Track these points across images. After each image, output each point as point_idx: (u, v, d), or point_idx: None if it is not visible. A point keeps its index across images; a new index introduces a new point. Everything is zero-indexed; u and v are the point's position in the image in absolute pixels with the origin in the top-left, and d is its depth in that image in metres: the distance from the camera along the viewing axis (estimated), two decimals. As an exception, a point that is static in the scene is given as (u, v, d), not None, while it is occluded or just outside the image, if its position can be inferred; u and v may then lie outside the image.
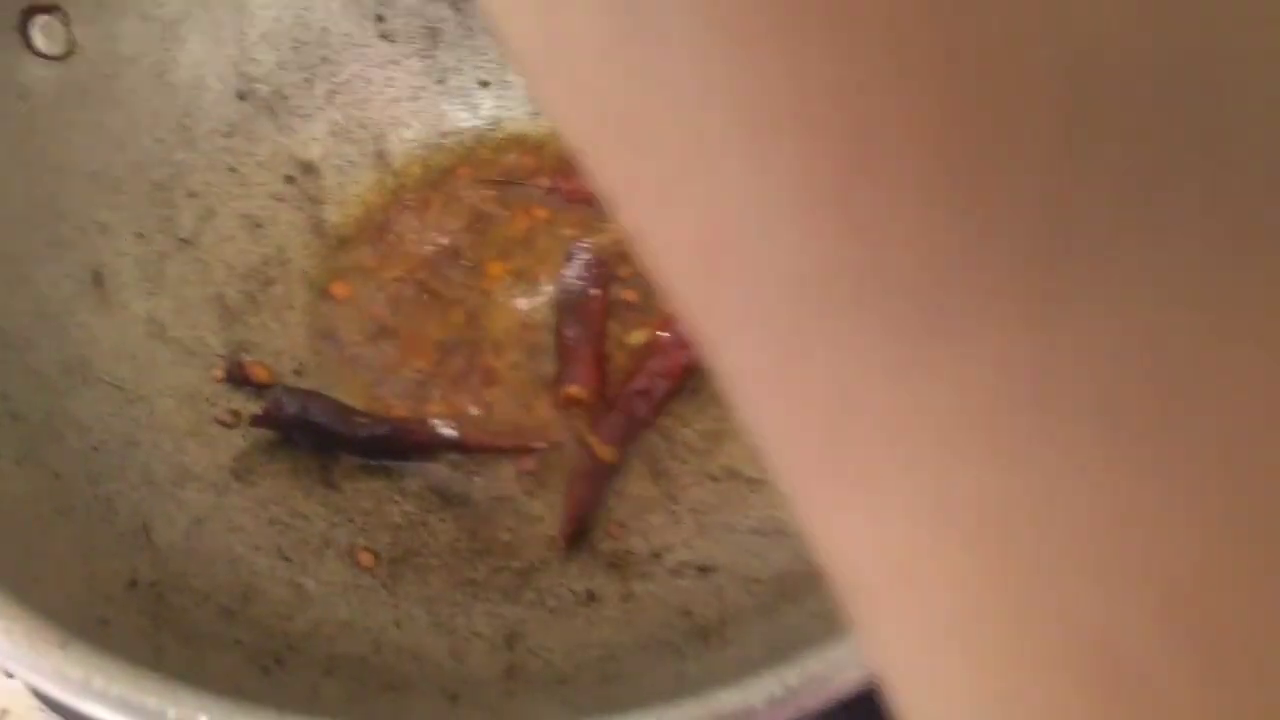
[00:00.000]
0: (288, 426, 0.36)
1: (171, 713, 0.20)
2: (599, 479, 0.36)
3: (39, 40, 0.36)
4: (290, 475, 0.36)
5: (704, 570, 0.33)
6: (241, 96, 0.42)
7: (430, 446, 0.37)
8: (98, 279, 0.36)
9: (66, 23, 0.37)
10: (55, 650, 0.21)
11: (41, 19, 0.36)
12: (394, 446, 0.37)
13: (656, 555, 0.34)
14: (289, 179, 0.43)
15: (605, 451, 0.36)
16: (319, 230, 0.42)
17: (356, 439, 0.36)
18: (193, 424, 0.35)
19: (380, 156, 0.45)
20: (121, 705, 0.21)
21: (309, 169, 0.43)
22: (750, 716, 0.22)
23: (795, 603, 0.30)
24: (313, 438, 0.36)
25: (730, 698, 0.21)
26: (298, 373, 0.39)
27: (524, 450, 0.38)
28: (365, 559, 0.33)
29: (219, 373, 0.37)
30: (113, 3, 0.38)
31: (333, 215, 0.43)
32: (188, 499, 0.33)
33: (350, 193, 0.44)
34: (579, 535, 0.35)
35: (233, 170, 0.41)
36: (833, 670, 0.22)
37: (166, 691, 0.21)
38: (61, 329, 0.34)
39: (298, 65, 0.43)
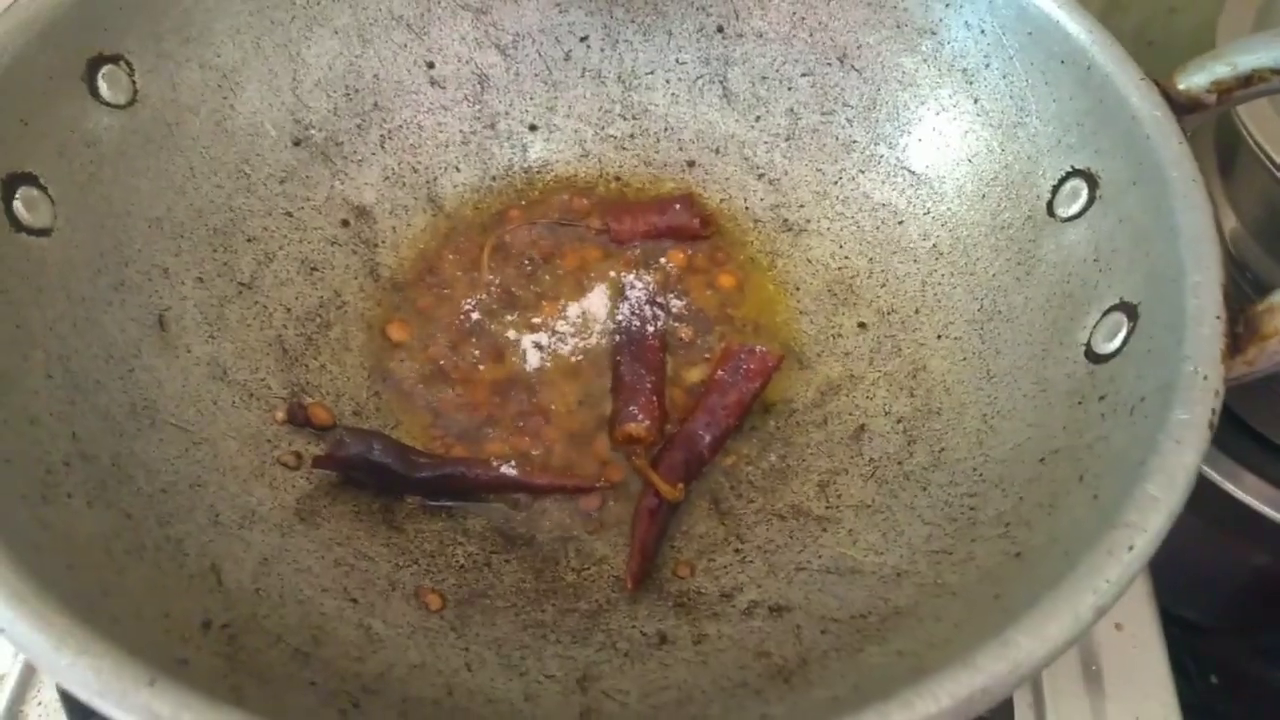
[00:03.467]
0: (350, 467, 0.36)
1: (263, 751, 0.20)
2: (663, 517, 0.36)
3: (104, 90, 0.36)
4: (353, 516, 0.35)
5: (776, 610, 0.32)
6: (297, 143, 0.43)
7: (492, 486, 0.37)
8: (162, 323, 0.36)
9: (130, 72, 0.37)
10: (144, 688, 0.21)
11: (107, 68, 0.37)
12: (456, 486, 0.36)
13: (727, 595, 0.33)
14: (344, 223, 0.43)
15: (669, 489, 0.36)
16: (374, 273, 0.43)
17: (418, 480, 0.36)
18: (256, 466, 0.35)
19: (432, 200, 0.45)
20: (211, 744, 0.20)
21: (363, 213, 0.43)
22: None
23: (878, 642, 0.29)
24: (375, 478, 0.36)
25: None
26: (356, 414, 0.39)
27: (586, 489, 0.37)
28: (433, 601, 0.33)
29: (280, 414, 0.37)
30: (174, 52, 0.39)
31: (388, 258, 0.43)
32: (254, 540, 0.33)
33: (404, 236, 0.44)
34: (646, 574, 0.34)
35: (289, 215, 0.42)
36: (928, 701, 0.22)
37: (256, 729, 0.20)
38: (128, 371, 0.34)
39: (351, 112, 0.44)
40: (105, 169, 0.36)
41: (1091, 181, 0.35)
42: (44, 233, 0.34)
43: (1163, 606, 0.46)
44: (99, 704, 0.21)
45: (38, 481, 0.28)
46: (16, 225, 0.33)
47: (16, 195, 0.33)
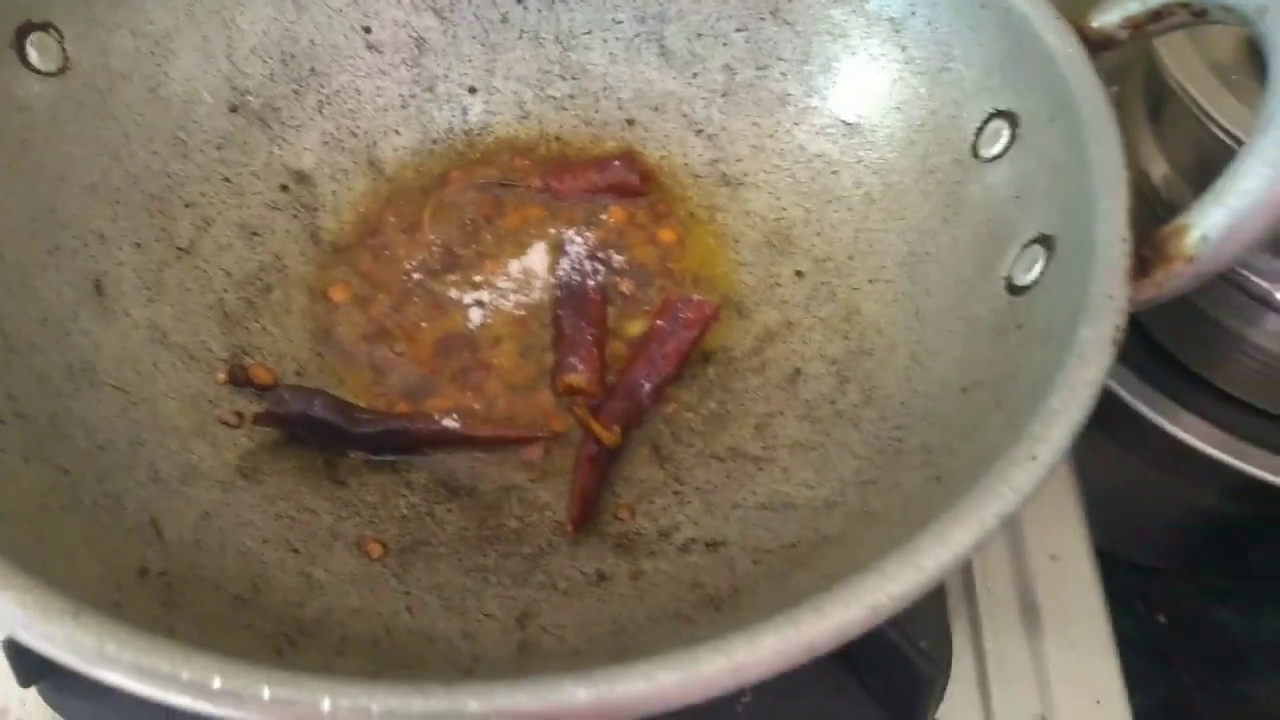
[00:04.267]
0: (292, 424, 0.36)
1: (185, 675, 0.20)
2: (603, 463, 0.36)
3: (34, 56, 0.36)
4: (297, 473, 0.36)
5: (712, 545, 0.33)
6: (233, 109, 0.43)
7: (435, 440, 0.37)
8: (99, 287, 0.37)
9: (60, 39, 0.37)
10: (68, 618, 0.21)
11: (36, 36, 0.37)
12: (399, 441, 0.37)
13: (664, 534, 0.34)
14: (283, 188, 0.43)
15: (608, 436, 0.36)
16: (315, 237, 0.43)
17: (361, 435, 0.36)
18: (197, 425, 0.36)
19: (373, 164, 0.45)
20: (134, 670, 0.21)
21: (303, 178, 0.44)
22: (758, 663, 0.22)
23: (806, 568, 0.30)
24: (318, 435, 0.36)
25: (740, 641, 0.22)
26: (299, 374, 0.39)
27: (528, 440, 0.38)
28: (374, 549, 0.33)
29: (222, 375, 0.37)
30: (104, 18, 0.39)
31: (328, 222, 0.43)
32: (195, 496, 0.33)
33: (344, 200, 0.44)
34: (587, 519, 0.35)
35: (227, 181, 0.42)
36: (839, 607, 0.22)
37: (179, 656, 0.21)
38: (65, 335, 0.34)
39: (287, 78, 0.44)
40: (37, 135, 0.36)
41: (1013, 121, 0.36)
42: (-27, 199, 0.34)
43: (1110, 548, 0.48)
44: (24, 636, 0.21)
45: (-31, 438, 0.28)
46: (-54, 190, 0.33)
47: (-55, 160, 0.33)
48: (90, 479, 0.31)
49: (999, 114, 0.37)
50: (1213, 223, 0.28)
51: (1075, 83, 0.33)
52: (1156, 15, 0.33)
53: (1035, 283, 0.32)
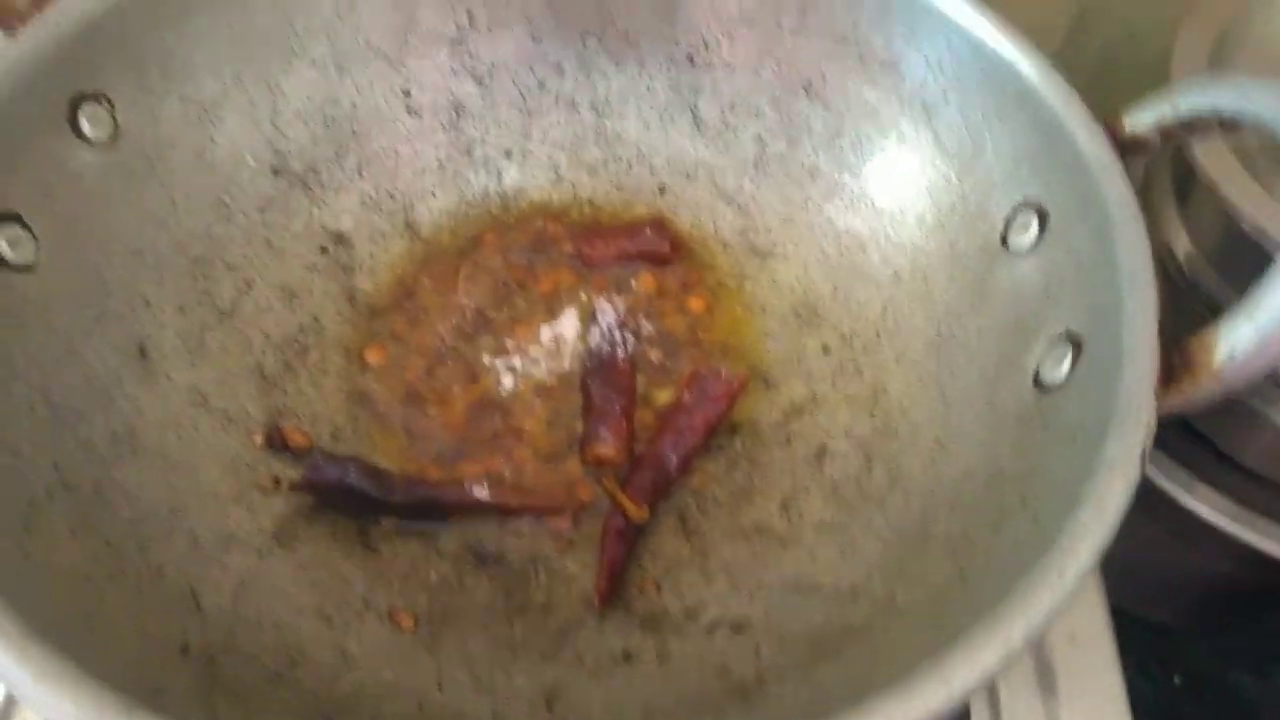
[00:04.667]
0: (327, 491, 0.37)
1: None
2: (631, 536, 0.37)
3: (86, 127, 0.37)
4: (330, 538, 0.37)
5: (738, 627, 0.34)
6: (276, 172, 0.44)
7: (465, 508, 0.38)
8: (143, 351, 0.37)
9: (112, 109, 0.38)
10: (122, 717, 0.22)
11: (88, 106, 0.38)
12: (430, 509, 0.37)
13: (691, 613, 0.35)
14: (323, 250, 0.44)
15: (635, 510, 0.37)
16: (352, 298, 0.44)
17: (394, 503, 0.37)
18: (235, 490, 0.36)
19: (409, 226, 0.46)
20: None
21: (341, 239, 0.45)
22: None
23: (832, 661, 0.30)
24: (352, 502, 0.37)
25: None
26: (334, 437, 0.40)
27: (555, 510, 0.38)
28: (405, 621, 0.34)
29: (259, 438, 0.38)
30: (155, 87, 0.40)
31: (365, 284, 0.44)
32: (232, 563, 0.34)
33: (381, 261, 0.45)
34: (614, 592, 0.36)
35: (269, 243, 0.43)
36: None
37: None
38: (109, 401, 0.35)
39: (329, 140, 0.45)
40: (88, 204, 0.37)
41: (1042, 214, 0.37)
42: (27, 269, 0.35)
43: (1127, 608, 0.48)
44: (79, 732, 0.22)
45: (20, 514, 0.29)
46: (1, 263, 0.34)
47: (1, 234, 0.34)
48: (133, 549, 0.32)
49: (1028, 206, 0.37)
50: (1241, 339, 0.28)
51: (1105, 185, 0.33)
52: (1189, 122, 0.34)
53: (1063, 381, 0.33)
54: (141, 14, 0.39)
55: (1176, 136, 0.35)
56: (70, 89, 0.37)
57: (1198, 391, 0.29)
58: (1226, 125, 0.34)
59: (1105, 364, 0.30)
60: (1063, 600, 0.24)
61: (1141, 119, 0.35)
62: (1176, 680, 0.60)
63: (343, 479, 0.37)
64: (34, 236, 0.35)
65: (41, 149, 0.36)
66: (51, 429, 0.33)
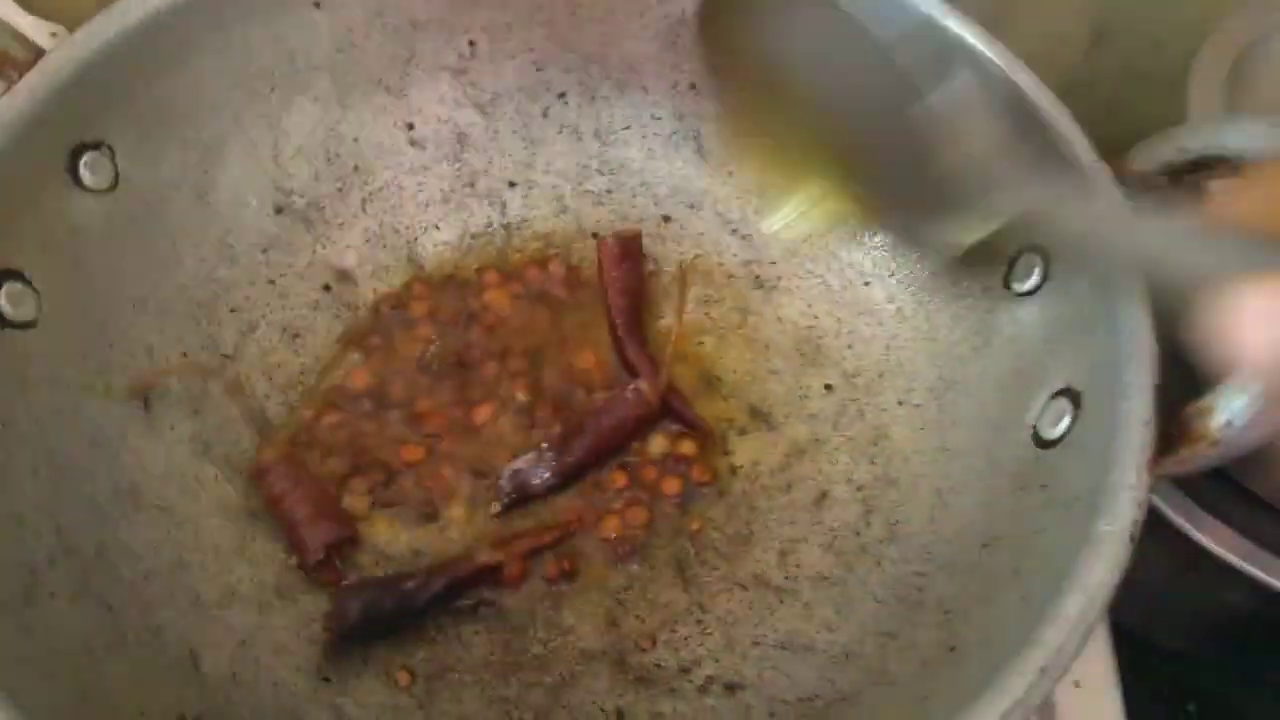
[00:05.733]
0: (364, 626, 0.35)
1: None
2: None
3: (86, 176, 0.38)
4: (331, 588, 0.37)
5: (731, 688, 0.34)
6: (279, 210, 0.44)
7: (482, 576, 0.37)
8: (146, 402, 0.38)
9: (112, 156, 0.38)
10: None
11: (89, 155, 0.38)
12: (450, 592, 0.36)
13: (685, 670, 0.35)
14: (326, 288, 0.44)
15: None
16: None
17: (419, 608, 0.35)
18: (237, 542, 0.37)
19: (412, 260, 0.46)
20: None
21: (345, 276, 0.45)
22: None
23: (820, 727, 0.30)
24: (386, 626, 0.35)
25: None
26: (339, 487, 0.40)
27: (564, 534, 0.38)
28: (402, 678, 0.34)
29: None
30: (155, 132, 0.40)
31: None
32: (234, 621, 0.34)
33: (384, 297, 0.45)
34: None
35: (271, 283, 0.43)
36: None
37: None
38: (113, 456, 0.36)
39: (331, 176, 0.45)
40: (89, 255, 0.38)
41: (1045, 257, 0.36)
42: (29, 325, 0.35)
43: (1140, 635, 0.47)
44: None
45: (23, 586, 0.30)
46: (2, 321, 0.34)
47: (1, 291, 0.34)
48: (134, 612, 0.32)
49: (1032, 248, 0.37)
50: (1238, 408, 0.28)
51: (1108, 235, 0.33)
52: (1195, 164, 0.33)
53: (1061, 439, 0.32)
54: (141, 59, 0.38)
55: (1183, 180, 0.34)
56: (70, 139, 0.37)
57: (1196, 459, 0.29)
58: (1234, 168, 0.33)
59: (1102, 428, 0.30)
60: (1043, 693, 0.24)
61: (1149, 159, 0.34)
62: (1190, 708, 0.60)
63: (369, 612, 0.35)
64: (35, 291, 0.35)
65: (42, 202, 0.36)
66: (54, 490, 0.33)
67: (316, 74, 0.44)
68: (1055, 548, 0.28)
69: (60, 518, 0.33)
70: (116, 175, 0.39)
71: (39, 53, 0.37)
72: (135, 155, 0.39)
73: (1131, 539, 0.26)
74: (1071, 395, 0.32)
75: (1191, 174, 0.34)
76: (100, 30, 0.37)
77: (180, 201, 0.41)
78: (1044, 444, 0.33)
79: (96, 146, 0.38)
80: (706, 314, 0.45)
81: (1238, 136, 0.32)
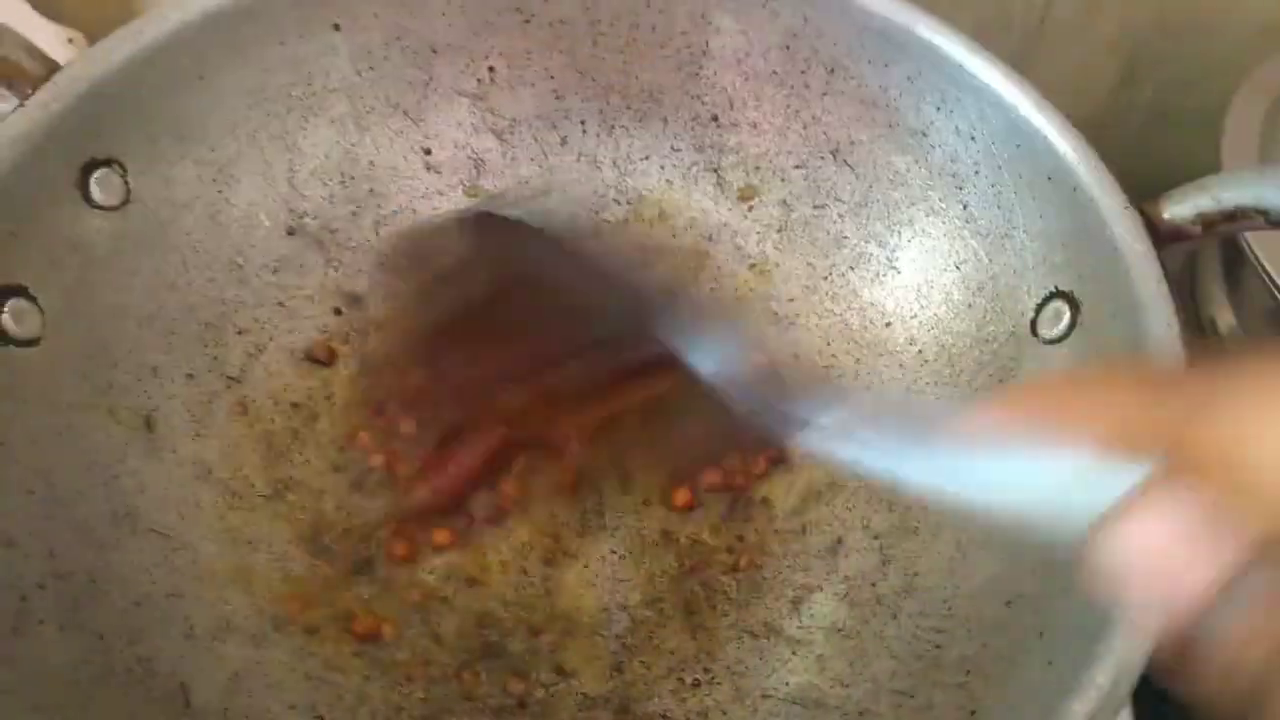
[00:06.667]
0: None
1: None
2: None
3: (96, 193, 0.37)
4: (330, 620, 0.36)
5: (739, 743, 0.32)
6: (291, 232, 0.43)
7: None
8: (149, 424, 0.37)
9: (124, 174, 0.38)
10: None
11: (100, 172, 0.37)
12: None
13: (691, 721, 0.34)
14: (336, 311, 0.43)
15: None
16: (364, 362, 0.43)
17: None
18: (234, 570, 0.36)
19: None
20: None
21: (355, 300, 0.44)
22: None
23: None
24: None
25: None
26: (339, 508, 0.39)
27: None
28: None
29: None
30: (168, 151, 0.39)
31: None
32: (227, 653, 0.33)
33: (396, 323, 0.44)
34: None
35: (281, 305, 0.42)
36: None
37: None
38: (112, 479, 0.35)
39: (346, 199, 0.44)
40: (96, 272, 0.37)
41: (1074, 305, 0.35)
42: (31, 343, 0.34)
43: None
44: None
45: (11, 612, 0.29)
46: (4, 338, 0.33)
47: (5, 308, 0.34)
48: (124, 642, 0.31)
49: (1060, 294, 0.36)
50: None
51: (1140, 285, 0.32)
52: (1231, 215, 0.32)
53: (1088, 495, 0.31)
54: (156, 77, 0.38)
55: (1216, 229, 0.33)
56: (82, 156, 0.37)
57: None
58: (1273, 221, 0.32)
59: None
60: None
61: (1181, 210, 0.33)
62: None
63: None
64: (40, 309, 0.35)
65: (50, 218, 0.36)
66: (48, 513, 0.32)
67: (334, 96, 0.43)
68: (1081, 611, 0.27)
69: (53, 542, 0.32)
70: (128, 193, 0.38)
71: (52, 67, 0.36)
72: (147, 173, 0.39)
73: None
74: (1100, 449, 0.31)
75: (1226, 225, 0.33)
76: (116, 47, 0.36)
77: (191, 220, 0.40)
78: (1070, 499, 0.32)
79: (108, 163, 0.37)
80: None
81: (1277, 192, 0.31)
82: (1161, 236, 0.33)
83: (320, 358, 0.41)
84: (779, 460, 0.39)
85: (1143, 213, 0.34)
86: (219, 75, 0.40)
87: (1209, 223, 0.33)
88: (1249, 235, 0.41)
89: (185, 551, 0.35)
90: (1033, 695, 0.26)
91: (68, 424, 0.35)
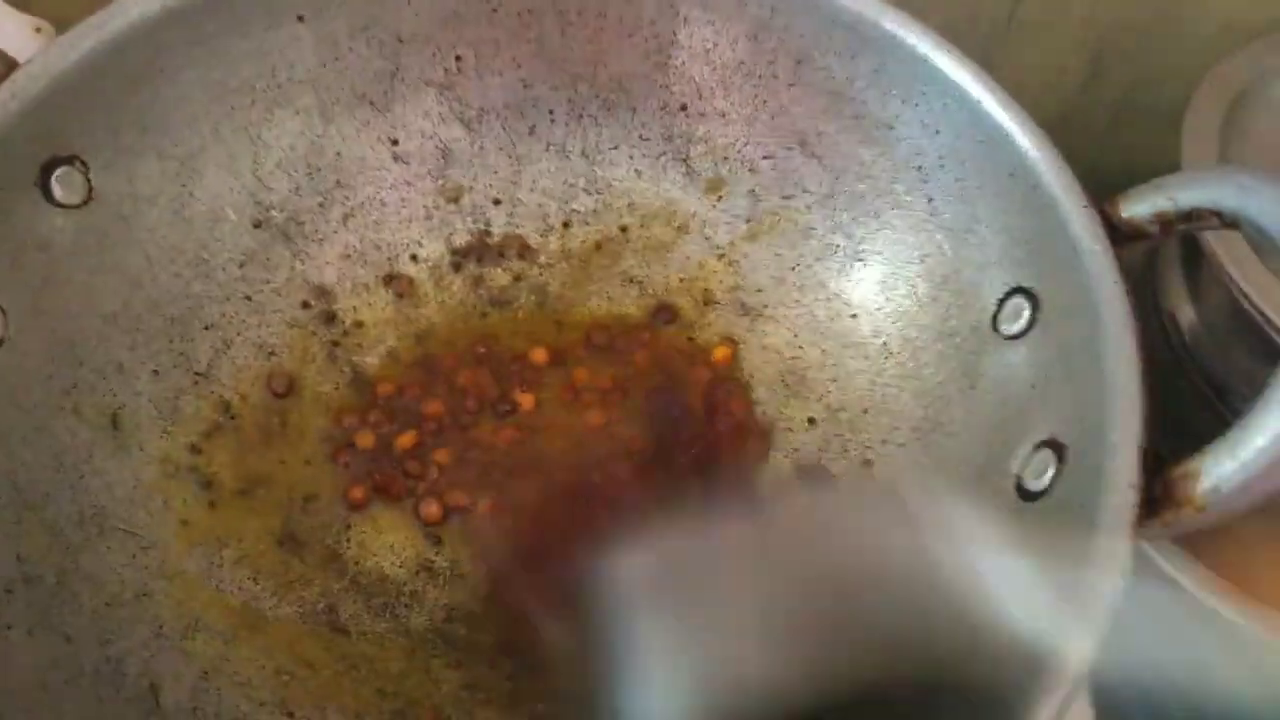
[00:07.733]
0: None
1: None
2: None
3: (58, 191, 0.37)
4: (298, 618, 0.36)
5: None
6: (257, 225, 0.43)
7: None
8: (115, 422, 0.37)
9: (85, 171, 0.38)
10: None
11: (61, 170, 0.37)
12: None
13: None
14: (304, 304, 0.43)
15: None
16: (332, 356, 0.43)
17: None
18: (204, 568, 0.36)
19: (394, 278, 0.45)
20: None
21: (323, 293, 0.44)
22: None
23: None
24: None
25: None
26: (309, 499, 0.40)
27: None
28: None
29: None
30: (131, 146, 0.39)
31: (346, 339, 0.44)
32: (196, 651, 0.34)
33: (365, 316, 0.44)
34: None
35: (248, 299, 0.42)
36: None
37: None
38: (79, 479, 0.35)
39: (312, 190, 0.44)
40: (59, 271, 0.37)
41: (1034, 302, 0.35)
42: (-6, 345, 0.34)
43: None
44: None
45: (-23, 620, 0.29)
46: (-34, 341, 0.33)
47: (-34, 310, 0.34)
48: (93, 643, 0.31)
49: (1021, 290, 0.36)
50: (1226, 474, 0.27)
51: (1098, 284, 0.32)
52: (1187, 216, 0.32)
53: (1044, 492, 0.32)
54: (118, 72, 0.37)
55: (1173, 229, 0.33)
56: (42, 154, 0.36)
57: (1180, 524, 0.28)
58: (1228, 222, 0.32)
59: (1084, 487, 0.29)
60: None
61: (1139, 209, 0.34)
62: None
63: None
64: (2, 310, 0.35)
65: (9, 219, 0.35)
66: (16, 516, 0.32)
67: (299, 87, 0.43)
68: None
69: (21, 545, 0.32)
70: (90, 190, 0.38)
71: (11, 64, 0.36)
72: (110, 169, 0.38)
73: (1109, 612, 0.26)
74: (1056, 448, 0.32)
75: (1183, 224, 0.33)
76: (76, 42, 0.36)
77: (155, 216, 0.40)
78: (1028, 496, 0.32)
79: (69, 161, 0.37)
80: (690, 339, 0.44)
81: (1234, 194, 0.31)
82: (1120, 236, 0.34)
83: (279, 391, 0.41)
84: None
85: (1102, 212, 0.34)
86: (181, 69, 0.39)
87: (1166, 223, 0.33)
88: (1208, 233, 0.41)
89: (154, 550, 0.35)
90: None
91: (33, 425, 0.35)
